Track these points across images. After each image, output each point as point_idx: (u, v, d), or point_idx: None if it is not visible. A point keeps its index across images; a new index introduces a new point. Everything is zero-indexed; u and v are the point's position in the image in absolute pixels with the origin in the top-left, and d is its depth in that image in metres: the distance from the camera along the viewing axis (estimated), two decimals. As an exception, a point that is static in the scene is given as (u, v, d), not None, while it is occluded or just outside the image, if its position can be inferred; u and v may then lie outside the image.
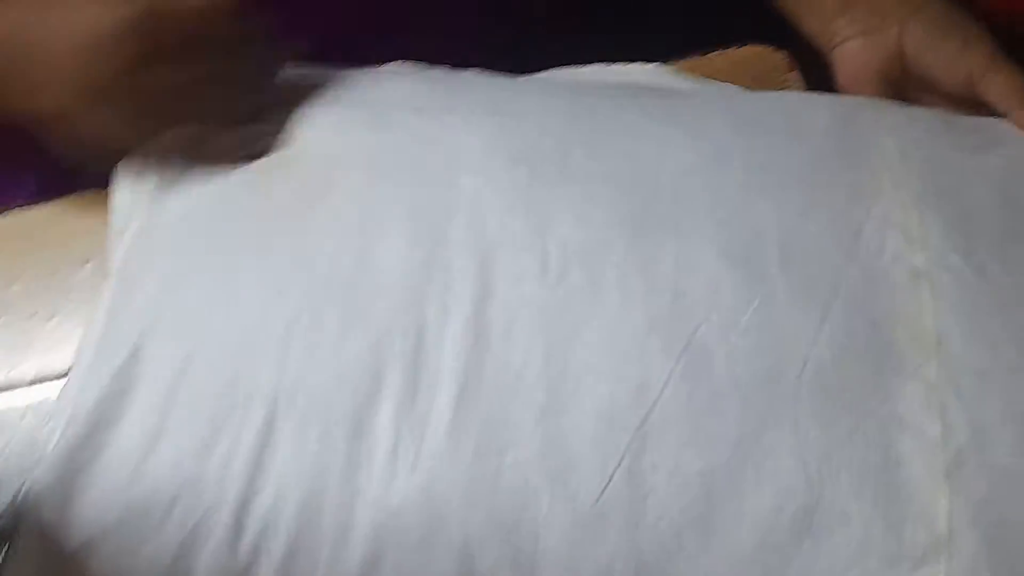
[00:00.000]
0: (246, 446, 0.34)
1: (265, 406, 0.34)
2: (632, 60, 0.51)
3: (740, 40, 0.54)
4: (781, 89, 0.52)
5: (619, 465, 0.33)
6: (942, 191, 0.38)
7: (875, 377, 0.34)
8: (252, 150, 0.43)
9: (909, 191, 0.38)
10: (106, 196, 0.44)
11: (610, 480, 0.33)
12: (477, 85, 0.45)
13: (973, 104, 0.44)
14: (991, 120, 0.44)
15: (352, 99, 0.43)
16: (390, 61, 0.49)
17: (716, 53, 0.54)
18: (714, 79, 0.51)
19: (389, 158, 0.40)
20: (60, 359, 0.43)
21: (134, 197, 0.43)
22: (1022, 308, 0.35)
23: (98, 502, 0.34)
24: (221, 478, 0.34)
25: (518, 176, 0.39)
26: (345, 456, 0.34)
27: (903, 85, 0.46)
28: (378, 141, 0.41)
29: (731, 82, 0.51)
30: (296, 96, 0.44)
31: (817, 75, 0.53)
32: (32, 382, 0.44)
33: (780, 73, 0.53)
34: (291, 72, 0.47)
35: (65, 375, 0.39)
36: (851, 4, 0.48)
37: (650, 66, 0.49)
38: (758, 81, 0.53)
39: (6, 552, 0.34)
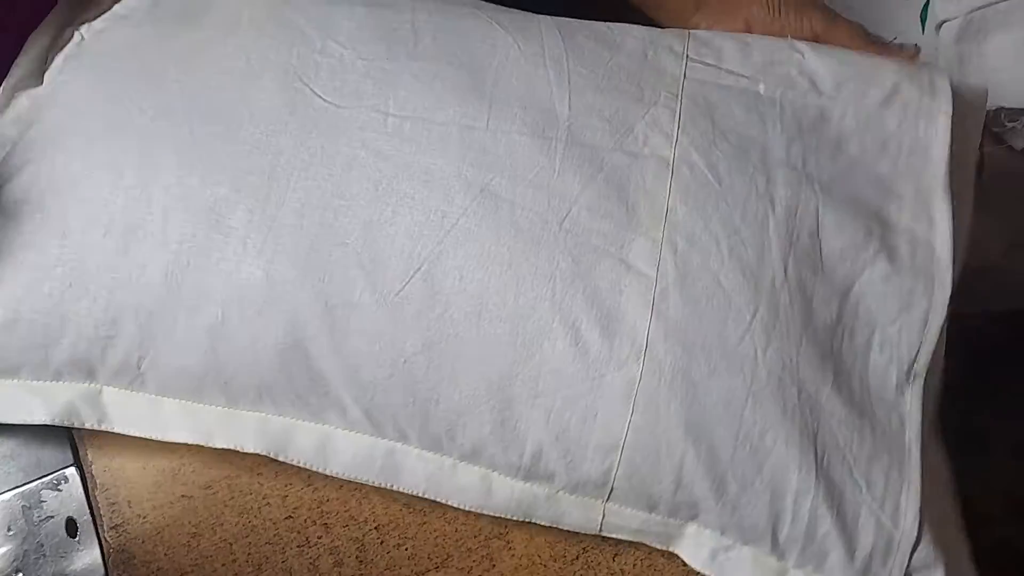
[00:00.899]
0: (122, 226, 0.46)
1: (147, 195, 0.46)
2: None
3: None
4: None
5: (419, 269, 0.45)
6: (701, 107, 0.49)
7: (617, 231, 0.45)
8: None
9: (675, 105, 0.49)
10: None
11: (411, 279, 0.44)
12: None
13: None
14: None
15: None
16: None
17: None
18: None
19: (277, 22, 0.51)
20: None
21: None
22: (734, 200, 0.46)
23: None
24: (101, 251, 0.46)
25: (376, 50, 0.49)
26: (205, 239, 0.45)
27: None
28: (269, 10, 0.51)
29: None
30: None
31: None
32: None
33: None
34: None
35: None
36: (704, 3, 0.58)
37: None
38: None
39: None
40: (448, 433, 0.45)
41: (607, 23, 0.54)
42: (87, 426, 0.48)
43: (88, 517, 0.48)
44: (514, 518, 0.47)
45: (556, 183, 0.46)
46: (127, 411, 0.48)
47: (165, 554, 0.47)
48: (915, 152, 0.47)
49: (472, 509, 0.47)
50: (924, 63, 0.52)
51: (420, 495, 0.47)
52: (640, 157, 0.47)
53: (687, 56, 0.51)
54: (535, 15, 0.53)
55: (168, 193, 0.46)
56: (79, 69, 0.51)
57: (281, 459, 0.47)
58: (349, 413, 0.46)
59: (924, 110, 0.48)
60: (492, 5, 0.54)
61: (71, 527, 0.48)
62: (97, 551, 0.47)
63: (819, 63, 0.50)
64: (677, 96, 0.49)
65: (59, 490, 0.48)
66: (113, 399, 0.48)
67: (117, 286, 0.45)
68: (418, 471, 0.47)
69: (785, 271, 0.45)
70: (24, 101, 0.50)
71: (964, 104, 0.49)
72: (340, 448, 0.47)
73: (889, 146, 0.48)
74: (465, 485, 0.46)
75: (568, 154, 0.46)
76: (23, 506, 0.48)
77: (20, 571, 0.46)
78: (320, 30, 0.50)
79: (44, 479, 0.48)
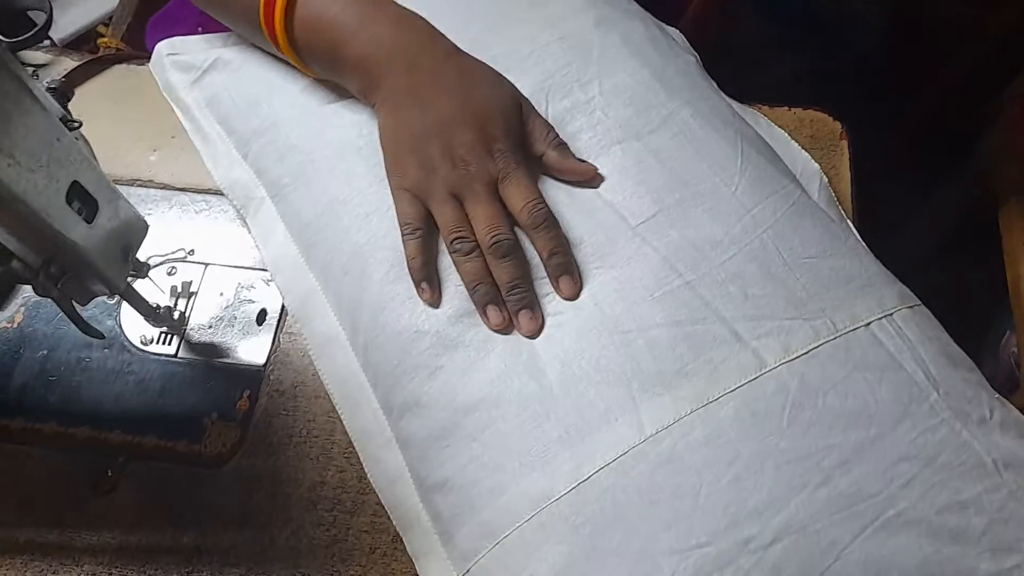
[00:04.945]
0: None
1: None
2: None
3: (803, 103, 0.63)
4: (832, 152, 0.62)
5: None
6: (851, 357, 0.45)
7: (653, 376, 0.43)
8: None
9: (828, 335, 0.45)
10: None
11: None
12: None
13: None
14: None
15: None
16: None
17: (785, 108, 0.63)
18: (780, 127, 0.61)
19: (577, 34, 0.56)
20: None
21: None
22: (786, 449, 0.41)
23: None
24: None
25: (622, 114, 0.53)
26: None
27: None
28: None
29: (792, 135, 0.60)
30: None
31: (865, 147, 0.62)
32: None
33: (835, 139, 0.62)
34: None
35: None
36: None
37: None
38: (815, 139, 0.63)
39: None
40: (400, 408, 0.47)
41: (846, 224, 0.52)
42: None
43: (277, 316, 0.56)
44: (396, 524, 0.48)
45: (644, 303, 0.45)
46: None
47: (313, 374, 0.53)
48: None
49: (376, 488, 0.49)
50: None
51: (352, 440, 0.50)
52: (742, 343, 0.44)
53: (890, 315, 0.46)
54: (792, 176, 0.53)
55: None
56: None
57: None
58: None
59: None
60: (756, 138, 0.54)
61: (261, 316, 0.56)
62: (269, 342, 0.55)
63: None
64: (839, 332, 0.44)
65: (269, 285, 0.57)
66: None
67: None
68: (366, 418, 0.49)
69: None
70: None
71: None
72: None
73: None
74: (386, 462, 0.48)
75: (678, 294, 0.45)
76: (239, 283, 0.57)
77: (212, 327, 0.56)
78: (600, 66, 0.54)
79: (265, 272, 0.57)
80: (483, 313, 0.46)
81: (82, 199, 0.42)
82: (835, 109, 0.64)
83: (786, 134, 0.59)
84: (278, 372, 0.54)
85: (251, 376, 0.54)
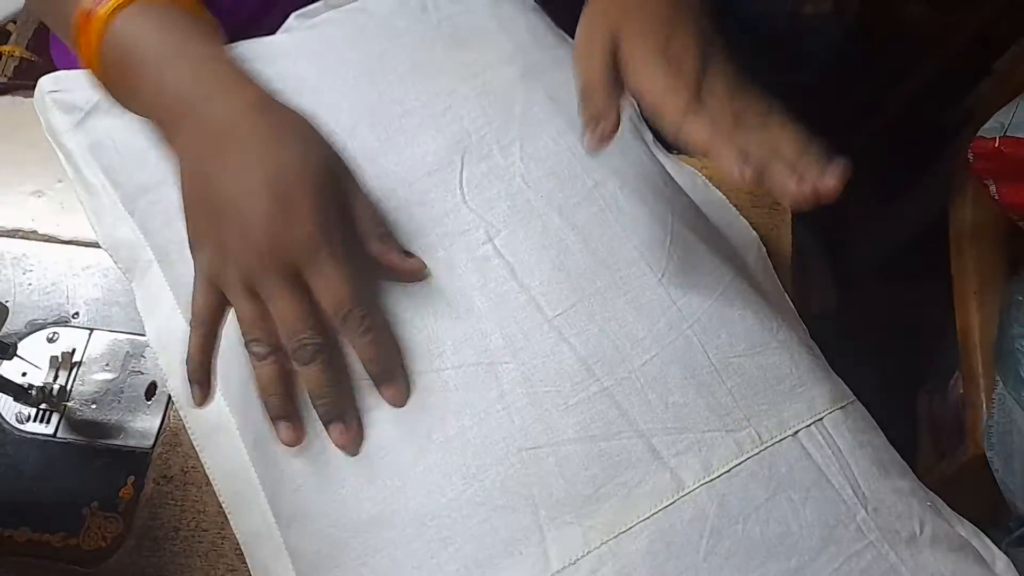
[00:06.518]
0: None
1: None
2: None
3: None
4: (774, 210, 0.58)
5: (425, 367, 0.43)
6: (776, 474, 0.42)
7: (563, 503, 0.39)
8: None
9: (752, 449, 0.42)
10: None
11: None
12: None
13: None
14: None
15: None
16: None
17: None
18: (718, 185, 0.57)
19: (502, 91, 0.51)
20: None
21: None
22: None
23: None
24: None
25: (541, 184, 0.48)
26: None
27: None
28: (510, 73, 0.52)
29: (732, 193, 0.56)
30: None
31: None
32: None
33: (777, 195, 0.59)
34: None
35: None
36: None
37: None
38: (755, 196, 0.59)
39: None
40: (288, 517, 0.43)
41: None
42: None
43: (167, 390, 0.51)
44: None
45: (557, 412, 0.41)
46: None
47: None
48: None
49: None
50: None
51: (240, 543, 0.46)
52: (660, 462, 0.40)
53: (820, 420, 0.43)
54: (726, 256, 0.48)
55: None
56: None
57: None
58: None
59: None
60: (693, 219, 0.50)
61: (151, 390, 0.52)
62: (158, 422, 0.51)
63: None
64: (764, 445, 0.41)
65: (161, 353, 0.52)
66: None
67: None
68: (255, 520, 0.44)
69: None
70: None
71: None
72: None
73: None
74: (275, 573, 0.44)
75: (594, 402, 0.41)
76: (127, 352, 0.52)
77: (95, 404, 0.51)
78: (522, 127, 0.49)
79: (158, 336, 0.52)
80: (276, 429, 0.41)
81: (-85, 298, 0.38)
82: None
83: (724, 197, 0.55)
84: (166, 455, 0.50)
85: (136, 460, 0.50)
